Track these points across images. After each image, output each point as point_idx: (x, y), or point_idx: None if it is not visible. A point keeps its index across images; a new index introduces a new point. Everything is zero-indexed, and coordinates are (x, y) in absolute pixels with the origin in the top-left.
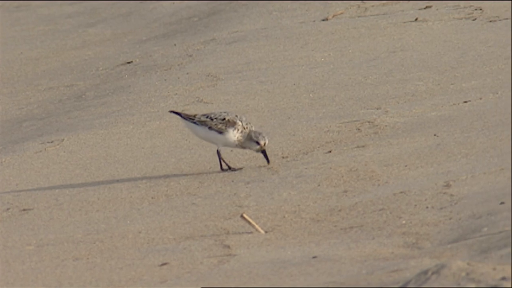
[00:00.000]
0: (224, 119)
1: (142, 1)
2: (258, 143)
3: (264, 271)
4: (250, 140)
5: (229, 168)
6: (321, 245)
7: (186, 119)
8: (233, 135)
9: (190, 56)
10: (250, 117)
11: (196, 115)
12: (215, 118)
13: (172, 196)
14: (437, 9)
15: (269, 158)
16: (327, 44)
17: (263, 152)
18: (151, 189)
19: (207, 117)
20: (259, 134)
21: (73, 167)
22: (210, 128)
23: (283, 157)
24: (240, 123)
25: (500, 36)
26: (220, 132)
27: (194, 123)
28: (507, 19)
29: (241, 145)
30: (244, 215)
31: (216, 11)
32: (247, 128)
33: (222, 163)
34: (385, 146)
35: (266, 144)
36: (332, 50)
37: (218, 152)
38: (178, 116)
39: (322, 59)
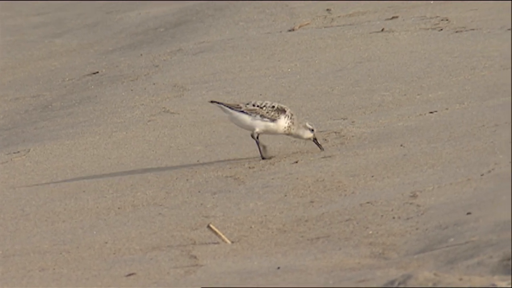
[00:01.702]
0: (274, 106)
1: (108, 12)
2: (312, 130)
3: (230, 282)
4: (304, 128)
5: (263, 157)
6: (288, 256)
7: (233, 109)
8: (285, 122)
9: (157, 66)
10: (216, 127)
11: (238, 104)
12: (264, 107)
13: (139, 207)
14: (403, 20)
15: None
16: (293, 54)
17: (315, 140)
18: (117, 200)
19: (254, 106)
20: (309, 122)
21: (39, 177)
22: (262, 116)
23: (249, 168)
24: (288, 109)
25: (466, 46)
26: (273, 120)
27: (243, 112)
28: (473, 29)
29: (290, 132)
30: (211, 226)
31: (183, 22)
32: (293, 114)
33: (261, 149)
34: (351, 157)
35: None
36: (299, 60)
37: (257, 137)
38: (219, 106)
39: (289, 70)
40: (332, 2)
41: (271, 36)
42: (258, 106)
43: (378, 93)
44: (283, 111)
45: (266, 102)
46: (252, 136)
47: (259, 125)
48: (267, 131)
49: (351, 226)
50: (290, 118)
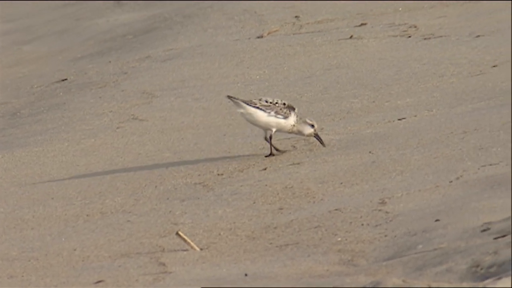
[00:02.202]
0: (285, 104)
1: (77, 19)
2: (313, 125)
3: None
4: (305, 123)
5: (277, 150)
6: (257, 263)
7: (249, 104)
8: (293, 119)
9: (125, 73)
10: (185, 134)
11: (251, 100)
12: (276, 103)
13: (107, 214)
14: (372, 27)
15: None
16: (262, 61)
17: (316, 135)
18: (86, 207)
19: (267, 102)
20: (311, 118)
21: (8, 184)
22: (276, 113)
23: (218, 175)
24: (296, 107)
25: (435, 53)
26: (286, 117)
27: (257, 108)
28: (441, 36)
29: (293, 129)
30: (180, 233)
31: (151, 29)
32: (300, 113)
33: (272, 148)
34: (320, 164)
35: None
36: (267, 67)
37: (270, 138)
38: (234, 102)
39: (258, 77)
40: (300, 9)
41: (239, 43)
42: (271, 102)
43: (347, 100)
44: (292, 108)
45: (275, 99)
46: (266, 138)
47: (272, 121)
48: (278, 129)
49: (320, 233)
50: (297, 115)
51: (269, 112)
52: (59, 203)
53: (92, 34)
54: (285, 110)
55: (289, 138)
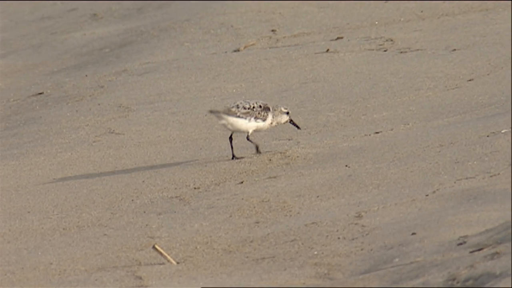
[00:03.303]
0: (261, 106)
1: (53, 32)
2: (287, 112)
3: None
4: (281, 113)
5: (259, 151)
6: (233, 276)
7: (230, 115)
8: (270, 119)
9: (102, 87)
10: (161, 148)
11: (230, 109)
12: (253, 108)
13: (84, 227)
14: (348, 40)
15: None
16: (238, 75)
17: (291, 121)
18: (62, 220)
19: (245, 109)
20: (282, 105)
21: None
22: (256, 118)
23: (195, 188)
24: (270, 105)
25: (411, 67)
26: (264, 119)
27: (238, 117)
28: (417, 50)
29: (272, 125)
30: (156, 246)
31: (128, 43)
32: (273, 107)
33: (256, 146)
34: (296, 177)
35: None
36: (244, 81)
37: (248, 137)
38: (216, 115)
39: (234, 90)
40: (277, 23)
41: (216, 57)
42: (249, 108)
43: (323, 113)
44: (268, 109)
45: (251, 102)
46: (248, 138)
47: (252, 126)
48: (256, 130)
49: (296, 246)
50: (273, 113)
51: (249, 119)
52: (35, 217)
53: (68, 48)
54: (263, 113)
55: (266, 152)
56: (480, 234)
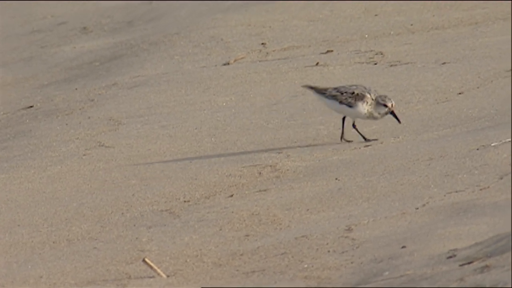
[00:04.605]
0: (353, 93)
1: (43, 46)
2: (385, 105)
3: None
4: (377, 105)
5: (365, 139)
6: None
7: (318, 93)
8: (363, 108)
9: (92, 100)
10: (151, 161)
11: (327, 89)
12: (345, 92)
13: (74, 241)
14: (338, 54)
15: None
16: (228, 88)
17: (392, 113)
18: (52, 234)
19: (337, 91)
20: (385, 96)
21: None
22: (340, 102)
23: (185, 201)
24: (369, 95)
25: (401, 80)
26: (350, 106)
27: (326, 97)
28: (407, 63)
29: (372, 116)
30: (146, 260)
31: (118, 56)
32: (375, 99)
33: (361, 135)
34: (286, 190)
35: (393, 105)
36: (234, 94)
37: (353, 126)
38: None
39: (224, 104)
40: (267, 36)
41: (206, 70)
42: (339, 92)
43: (313, 126)
44: (361, 97)
45: (351, 87)
46: (353, 125)
47: (339, 110)
48: (349, 116)
49: (286, 259)
50: (370, 104)
51: (338, 102)
52: (25, 230)
53: (58, 61)
54: (349, 100)
55: (255, 165)
56: (470, 247)
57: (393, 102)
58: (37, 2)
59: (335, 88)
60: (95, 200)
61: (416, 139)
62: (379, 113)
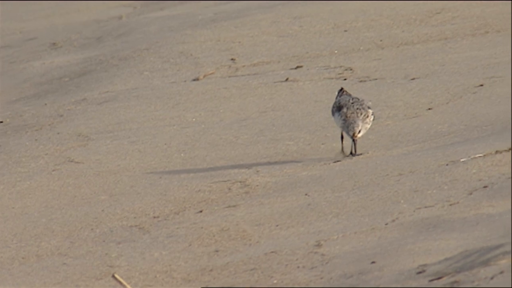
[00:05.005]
0: (340, 103)
1: (12, 61)
2: (351, 130)
3: None
4: (348, 126)
5: (342, 151)
6: None
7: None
8: (338, 119)
9: (61, 116)
10: (121, 177)
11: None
12: (336, 102)
13: (43, 256)
14: (307, 69)
15: (357, 150)
16: (198, 104)
17: (354, 141)
18: (21, 250)
19: (336, 99)
20: (354, 123)
21: None
22: (331, 109)
23: (154, 217)
24: (345, 110)
25: (370, 96)
26: (332, 114)
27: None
28: (376, 79)
29: (343, 129)
30: (116, 275)
31: (87, 72)
32: (350, 117)
33: (341, 147)
34: (256, 206)
35: (356, 135)
36: (203, 110)
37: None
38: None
39: (193, 119)
40: (236, 52)
41: (175, 86)
42: (337, 100)
43: (283, 142)
44: (339, 108)
45: (346, 97)
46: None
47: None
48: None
49: (255, 275)
50: (343, 118)
51: (332, 108)
52: None
53: (28, 77)
54: (334, 108)
55: (224, 181)
56: (439, 262)
57: (356, 131)
58: (6, 18)
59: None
60: (64, 215)
61: (386, 154)
62: (347, 132)
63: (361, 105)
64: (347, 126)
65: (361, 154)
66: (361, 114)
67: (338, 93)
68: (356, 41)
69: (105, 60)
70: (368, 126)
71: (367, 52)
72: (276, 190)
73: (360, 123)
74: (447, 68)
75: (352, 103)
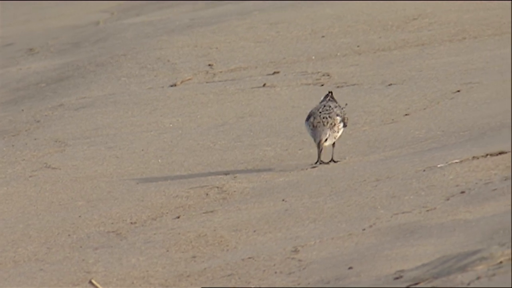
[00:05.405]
0: (310, 111)
1: None
2: (317, 139)
3: None
4: (315, 134)
5: (331, 160)
6: None
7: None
8: (307, 128)
9: (38, 121)
10: (98, 183)
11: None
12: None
13: (20, 262)
14: (285, 75)
15: (319, 159)
16: (175, 109)
17: (319, 150)
18: None
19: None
20: (317, 132)
21: None
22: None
23: (131, 223)
24: (312, 119)
25: (348, 101)
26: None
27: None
28: (354, 85)
29: (312, 138)
30: (93, 281)
31: (64, 77)
32: (316, 126)
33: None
34: (233, 212)
35: (321, 144)
36: (181, 115)
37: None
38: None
39: (171, 125)
40: (214, 58)
41: (153, 92)
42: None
43: (260, 148)
44: (308, 116)
45: (322, 107)
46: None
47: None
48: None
49: (233, 281)
50: (311, 127)
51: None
52: None
53: (4, 83)
54: (306, 116)
55: (202, 187)
56: (416, 268)
57: (321, 139)
58: None
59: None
60: (41, 221)
61: (363, 160)
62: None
63: (329, 113)
64: (314, 135)
65: (338, 161)
66: (327, 122)
67: (325, 98)
68: (333, 47)
69: (82, 66)
70: (338, 134)
71: (344, 58)
72: (253, 196)
73: (328, 132)
74: (424, 74)
75: (320, 112)
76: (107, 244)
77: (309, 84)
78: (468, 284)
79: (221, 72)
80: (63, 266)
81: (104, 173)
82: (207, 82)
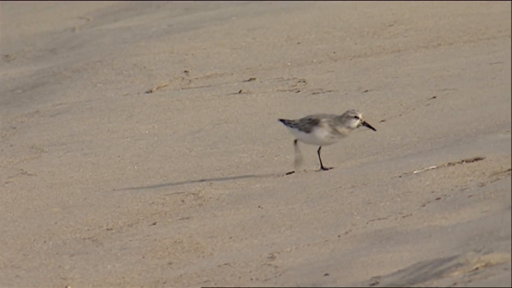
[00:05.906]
0: (310, 119)
1: None
2: (357, 117)
3: None
4: (347, 119)
5: (322, 167)
6: None
7: (286, 125)
8: (321, 132)
9: (14, 128)
10: (74, 189)
11: (289, 120)
12: (304, 119)
13: None
14: (261, 82)
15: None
16: (151, 116)
17: (365, 123)
18: None
19: (300, 120)
20: (353, 109)
21: None
22: (299, 129)
23: (107, 229)
24: (324, 120)
25: (324, 108)
26: (308, 131)
27: (291, 126)
28: (330, 91)
29: (336, 137)
30: None
31: (40, 83)
32: (334, 124)
33: (321, 162)
34: (209, 218)
35: (363, 116)
36: (157, 122)
37: (318, 151)
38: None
39: (147, 131)
40: (190, 64)
41: (129, 98)
42: (301, 120)
43: (236, 154)
44: (316, 122)
45: (315, 115)
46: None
47: (299, 137)
48: (306, 142)
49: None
50: (327, 129)
51: (298, 129)
52: None
53: None
54: (306, 126)
55: (178, 193)
56: (392, 274)
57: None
58: None
59: (302, 118)
60: (17, 228)
61: (339, 166)
62: (349, 127)
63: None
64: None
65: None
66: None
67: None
68: (309, 53)
69: (58, 72)
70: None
71: (320, 65)
72: (229, 202)
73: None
74: (400, 80)
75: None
76: (83, 250)
77: (285, 90)
78: None
79: (197, 78)
80: (39, 273)
81: (80, 180)
82: (183, 89)
